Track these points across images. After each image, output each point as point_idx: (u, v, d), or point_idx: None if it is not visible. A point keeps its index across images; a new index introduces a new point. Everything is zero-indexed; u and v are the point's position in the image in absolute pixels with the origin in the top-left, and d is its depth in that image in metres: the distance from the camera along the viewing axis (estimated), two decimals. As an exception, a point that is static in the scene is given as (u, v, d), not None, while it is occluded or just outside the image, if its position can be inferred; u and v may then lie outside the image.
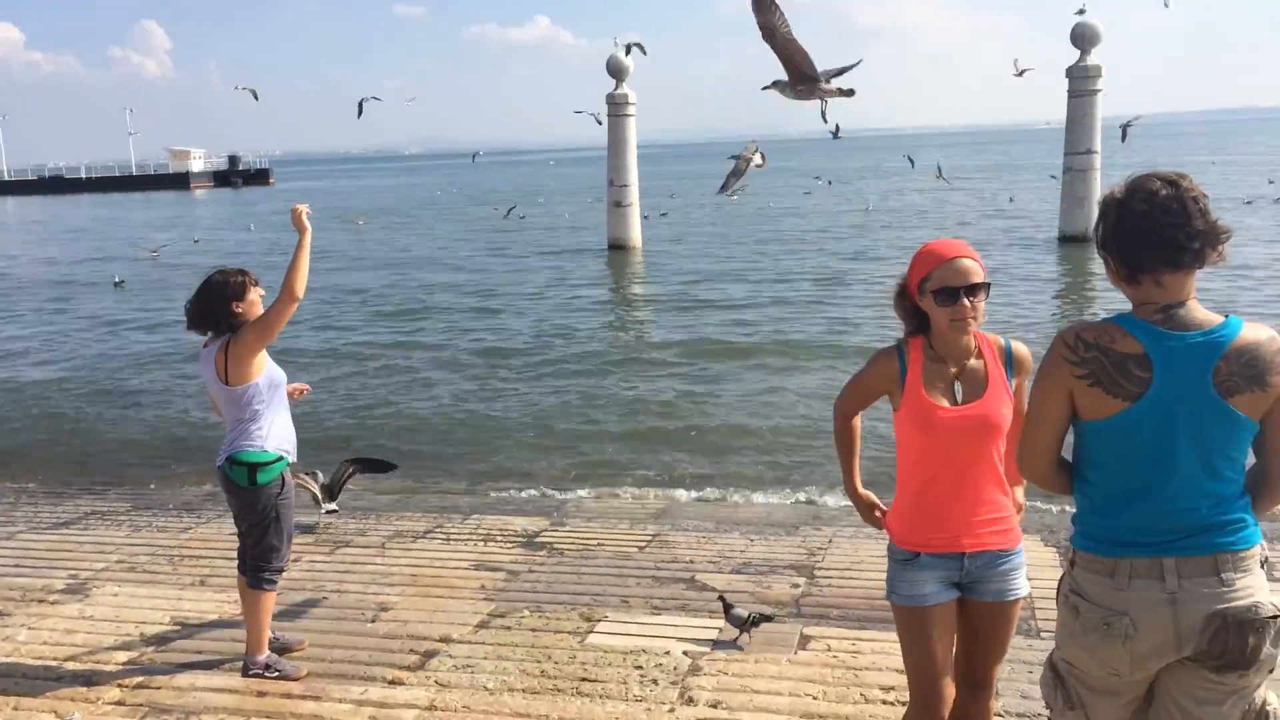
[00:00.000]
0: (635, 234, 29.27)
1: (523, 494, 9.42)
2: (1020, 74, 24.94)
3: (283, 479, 4.60)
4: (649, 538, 7.26)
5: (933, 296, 3.08)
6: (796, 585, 5.97)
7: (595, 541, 7.15)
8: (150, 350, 17.40)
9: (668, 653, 4.91)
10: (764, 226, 37.12)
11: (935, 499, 3.17)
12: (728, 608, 5.03)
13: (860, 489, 3.47)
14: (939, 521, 3.16)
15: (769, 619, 5.10)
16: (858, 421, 3.47)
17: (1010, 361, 3.21)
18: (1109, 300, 17.89)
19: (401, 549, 7.02)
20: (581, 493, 9.33)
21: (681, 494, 9.21)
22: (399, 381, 14.29)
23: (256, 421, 4.53)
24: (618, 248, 28.87)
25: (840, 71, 6.44)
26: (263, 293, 4.60)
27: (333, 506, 7.41)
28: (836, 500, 8.87)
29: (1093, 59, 25.33)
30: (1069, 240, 25.86)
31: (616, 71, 28.73)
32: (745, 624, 4.98)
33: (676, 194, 54.05)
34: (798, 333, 16.57)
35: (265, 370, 4.52)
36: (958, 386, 3.15)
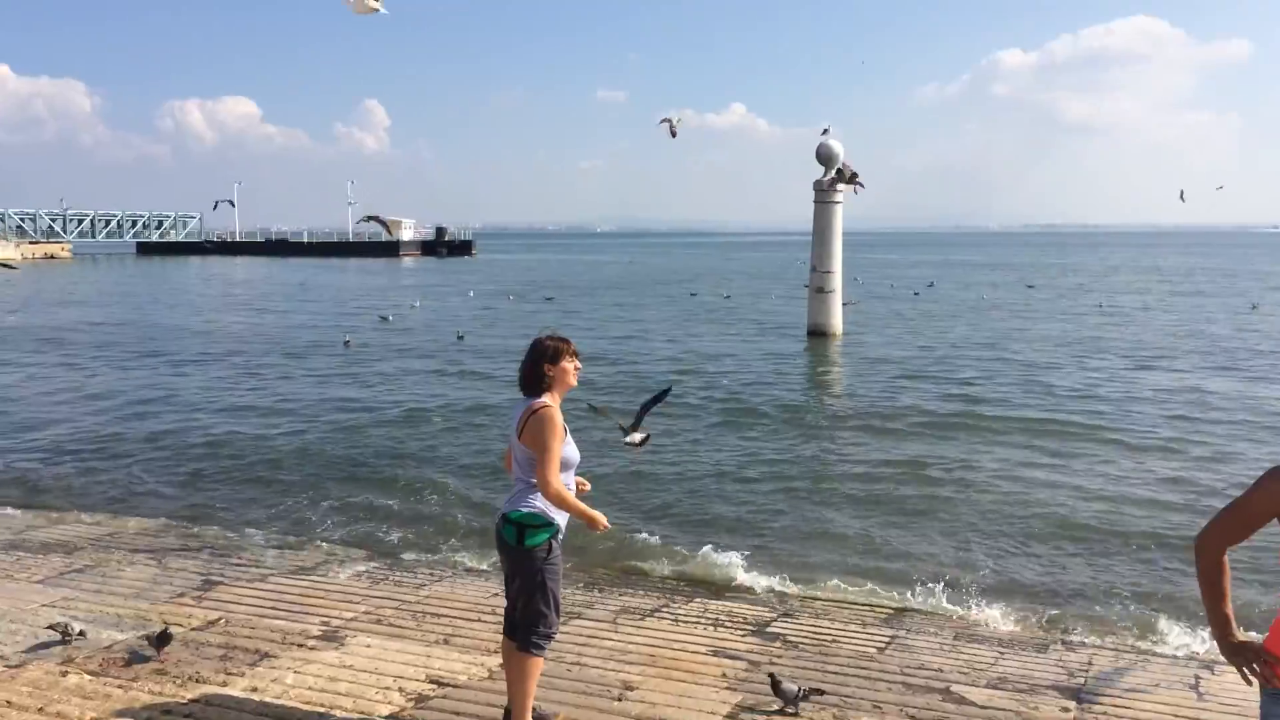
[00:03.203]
0: (837, 320, 28.92)
1: (742, 578, 9.22)
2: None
3: (550, 544, 4.62)
4: (887, 639, 6.95)
5: None
6: (1066, 709, 5.53)
7: (830, 638, 6.89)
8: (374, 410, 18.23)
9: (942, 771, 4.59)
10: (966, 319, 36.12)
11: None
12: (776, 683, 5.25)
13: (1240, 636, 3.01)
14: None
15: (820, 693, 5.32)
16: (1226, 559, 3.06)
17: None
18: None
19: (633, 626, 6.96)
20: (808, 584, 9.05)
21: (911, 596, 8.78)
22: (611, 462, 14.34)
23: (537, 488, 4.58)
24: (818, 333, 28.58)
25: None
26: (579, 365, 4.72)
27: (637, 437, 8.06)
28: (1082, 619, 8.30)
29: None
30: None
31: (826, 159, 28.74)
32: (795, 699, 5.18)
33: (865, 282, 53.50)
34: (998, 434, 15.80)
35: (564, 446, 4.60)
36: None
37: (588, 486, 4.99)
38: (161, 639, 5.79)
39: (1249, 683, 2.94)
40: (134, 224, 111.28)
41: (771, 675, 5.40)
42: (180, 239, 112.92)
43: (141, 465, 13.51)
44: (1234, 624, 3.01)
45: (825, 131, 29.10)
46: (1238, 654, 2.95)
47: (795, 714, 5.22)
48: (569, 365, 4.71)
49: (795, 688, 5.24)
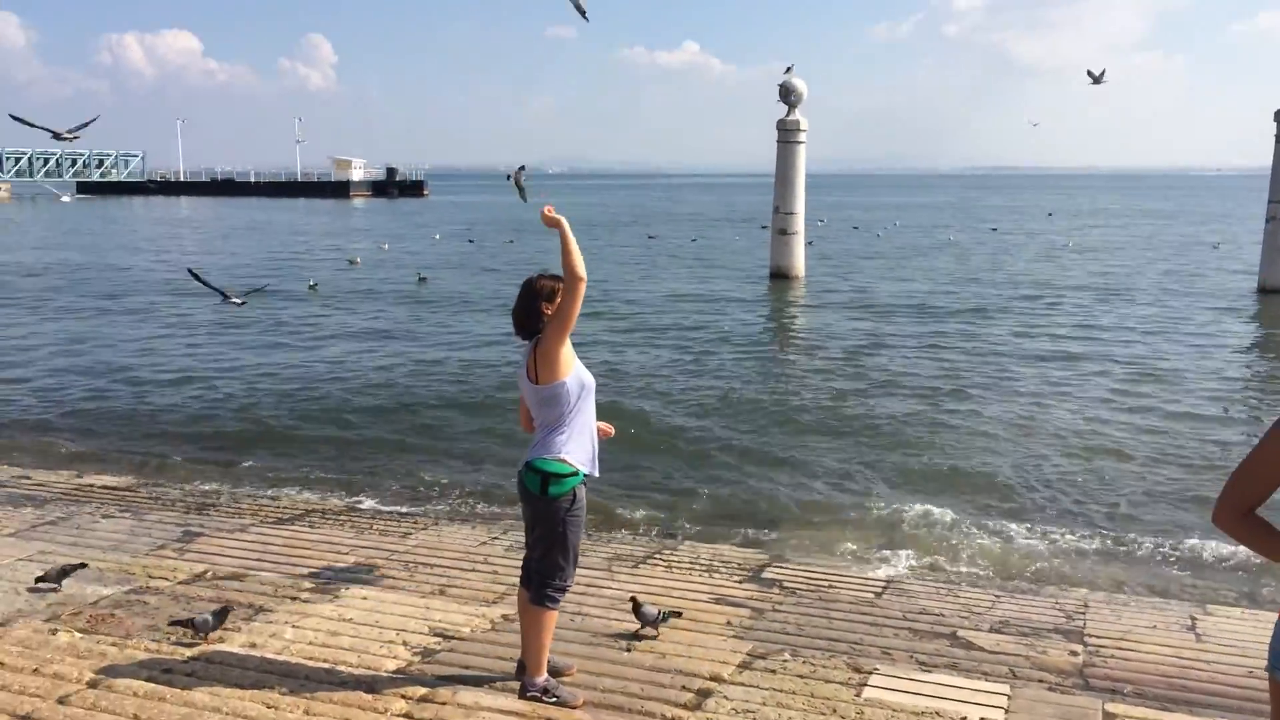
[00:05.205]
0: (799, 262, 28.86)
1: (727, 522, 9.20)
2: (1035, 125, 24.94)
3: (574, 494, 4.48)
4: (883, 583, 6.94)
5: None
6: (1074, 653, 5.54)
7: (826, 583, 6.86)
8: (342, 358, 17.91)
9: (965, 719, 4.56)
10: (931, 260, 36.27)
11: None
12: (637, 606, 5.50)
13: None
14: None
15: (678, 615, 5.67)
16: (1257, 515, 2.80)
17: None
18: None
19: (629, 574, 6.88)
20: (794, 526, 9.04)
21: (895, 536, 8.80)
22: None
23: (561, 430, 4.43)
24: (780, 276, 28.51)
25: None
26: None
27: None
28: (1076, 560, 8.38)
29: (1306, 102, 23.82)
30: (1271, 293, 24.34)
31: (788, 97, 28.45)
32: (655, 621, 5.46)
33: (828, 224, 53.67)
34: (981, 369, 15.90)
35: (574, 370, 4.44)
36: None
37: (611, 431, 4.84)
38: (62, 573, 5.91)
39: None
40: (74, 163, 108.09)
41: (633, 598, 5.59)
42: (123, 179, 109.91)
43: (103, 418, 13.12)
44: None
45: (789, 70, 28.75)
46: None
47: (655, 635, 5.45)
48: None
49: (655, 610, 5.49)
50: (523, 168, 8.55)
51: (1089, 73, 24.93)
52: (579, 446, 4.48)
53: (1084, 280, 29.60)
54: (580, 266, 4.36)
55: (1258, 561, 8.35)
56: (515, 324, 4.57)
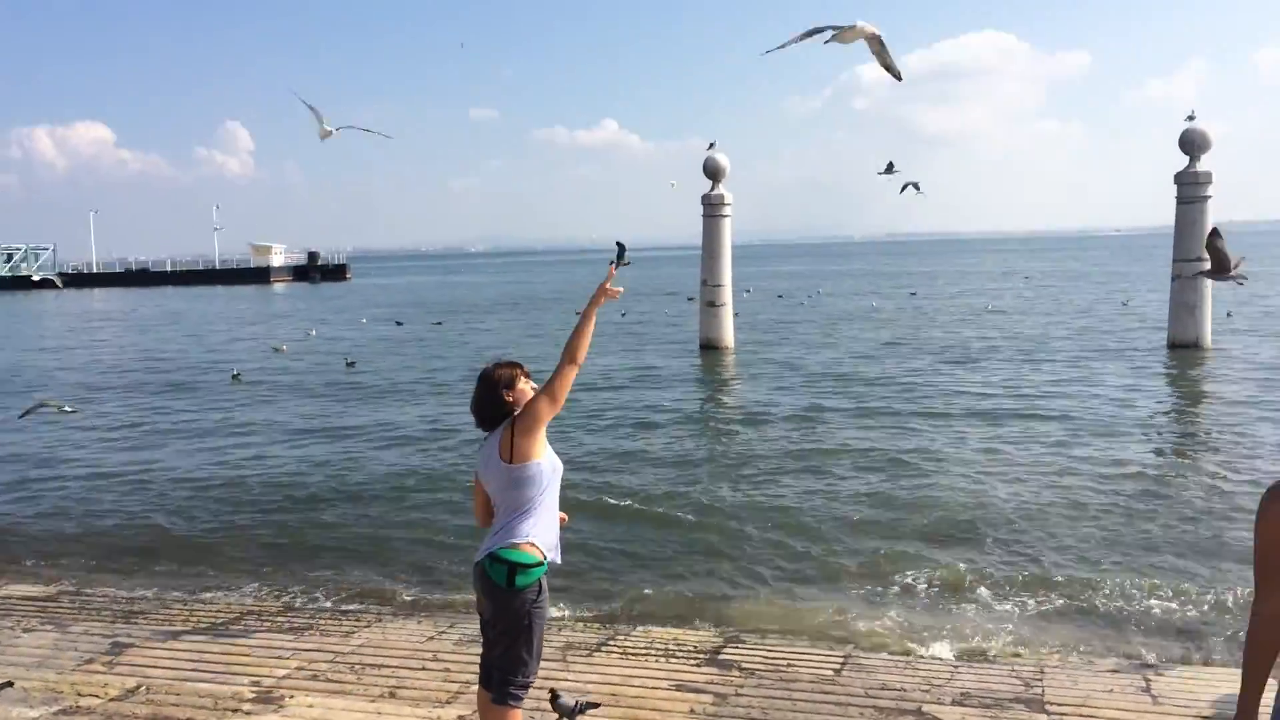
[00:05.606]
0: (729, 334, 29.15)
1: (679, 606, 9.07)
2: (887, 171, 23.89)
3: (540, 585, 4.37)
4: (841, 658, 6.87)
5: None
6: (1041, 724, 5.53)
7: (785, 661, 6.78)
8: (266, 449, 17.46)
9: (940, 799, 4.49)
10: (857, 326, 36.89)
11: None
12: (555, 697, 5.28)
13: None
14: None
15: (595, 706, 5.43)
16: None
17: None
18: (1222, 406, 17.26)
19: (584, 662, 6.72)
20: (743, 603, 8.94)
21: (846, 608, 8.77)
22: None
23: (529, 514, 4.33)
24: (711, 347, 28.73)
25: None
26: (535, 386, 4.48)
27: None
28: (1027, 623, 8.40)
29: (1202, 165, 24.98)
30: (1179, 347, 25.23)
31: (713, 173, 28.98)
32: (573, 712, 5.25)
33: (753, 294, 54.46)
34: (919, 433, 16.10)
35: (547, 453, 4.37)
36: None
37: (566, 519, 4.76)
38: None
39: None
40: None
41: (552, 690, 5.42)
42: (31, 272, 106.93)
43: (18, 525, 12.49)
44: (1258, 700, 2.77)
45: (711, 146, 29.35)
46: None
47: None
48: (526, 387, 4.51)
49: (572, 701, 5.32)
50: (620, 244, 8.61)
51: (889, 167, 25.16)
52: (546, 531, 4.39)
53: (1006, 341, 30.37)
54: (583, 352, 4.42)
55: (1195, 614, 8.49)
56: (477, 417, 4.50)
